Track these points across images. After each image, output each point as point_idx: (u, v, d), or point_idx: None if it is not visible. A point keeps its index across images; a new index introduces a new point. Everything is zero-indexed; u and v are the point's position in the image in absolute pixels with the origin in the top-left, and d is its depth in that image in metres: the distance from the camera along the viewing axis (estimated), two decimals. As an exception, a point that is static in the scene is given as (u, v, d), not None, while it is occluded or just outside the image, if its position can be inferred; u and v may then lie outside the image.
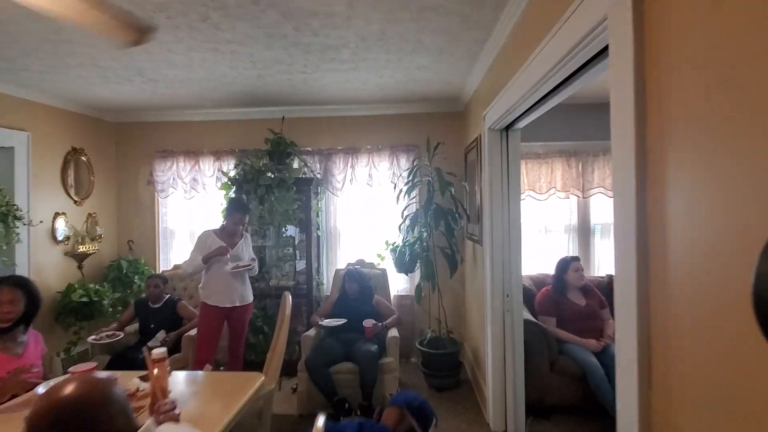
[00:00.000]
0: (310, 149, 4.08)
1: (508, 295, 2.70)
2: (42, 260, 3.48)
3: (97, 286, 3.67)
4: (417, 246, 3.56)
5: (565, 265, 3.24)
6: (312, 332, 3.28)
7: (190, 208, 4.29)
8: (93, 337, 3.10)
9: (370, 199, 4.10)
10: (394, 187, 3.93)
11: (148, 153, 4.21)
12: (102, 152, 4.14)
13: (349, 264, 3.97)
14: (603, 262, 3.89)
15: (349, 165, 4.02)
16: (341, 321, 3.26)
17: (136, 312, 3.46)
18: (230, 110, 4.08)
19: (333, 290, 3.85)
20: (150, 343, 3.30)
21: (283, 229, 3.91)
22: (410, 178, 3.53)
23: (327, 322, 3.29)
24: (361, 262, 3.95)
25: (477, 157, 3.14)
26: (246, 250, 3.15)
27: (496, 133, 2.72)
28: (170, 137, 4.24)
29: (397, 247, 3.74)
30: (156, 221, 4.29)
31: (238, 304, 3.04)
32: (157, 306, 3.45)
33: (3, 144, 3.17)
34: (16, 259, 3.23)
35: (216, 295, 2.99)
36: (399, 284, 4.12)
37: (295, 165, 4.02)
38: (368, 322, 3.24)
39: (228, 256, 2.97)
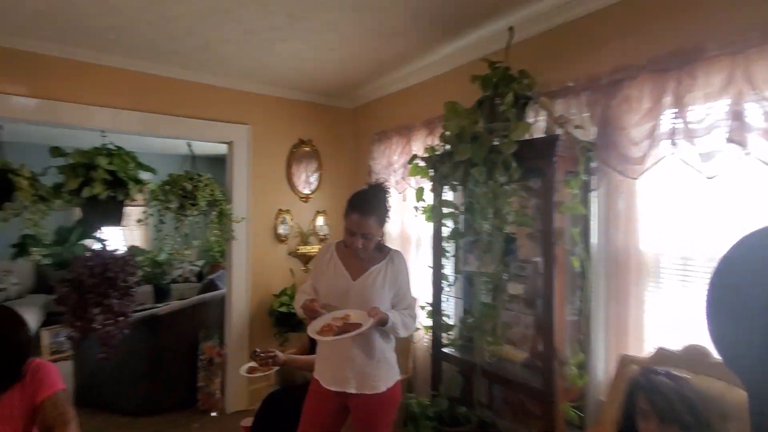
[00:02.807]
0: (571, 84, 1.95)
1: None
2: (263, 260, 3.28)
3: (304, 296, 3.15)
4: None
5: None
6: None
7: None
8: (249, 365, 2.46)
9: (723, 183, 1.48)
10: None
11: (372, 138, 3.37)
12: (332, 143, 3.64)
13: (659, 351, 1.57)
14: None
15: (668, 99, 1.59)
16: None
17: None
18: (437, 56, 2.57)
19: (607, 408, 1.61)
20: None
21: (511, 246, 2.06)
22: None
23: None
24: (695, 356, 1.47)
25: None
26: (389, 283, 1.61)
27: None
28: (388, 113, 3.23)
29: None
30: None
31: (353, 391, 1.56)
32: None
33: (223, 139, 3.09)
34: (234, 257, 3.11)
35: (321, 366, 1.65)
36: None
37: (540, 120, 2.02)
38: None
39: (345, 292, 1.57)
